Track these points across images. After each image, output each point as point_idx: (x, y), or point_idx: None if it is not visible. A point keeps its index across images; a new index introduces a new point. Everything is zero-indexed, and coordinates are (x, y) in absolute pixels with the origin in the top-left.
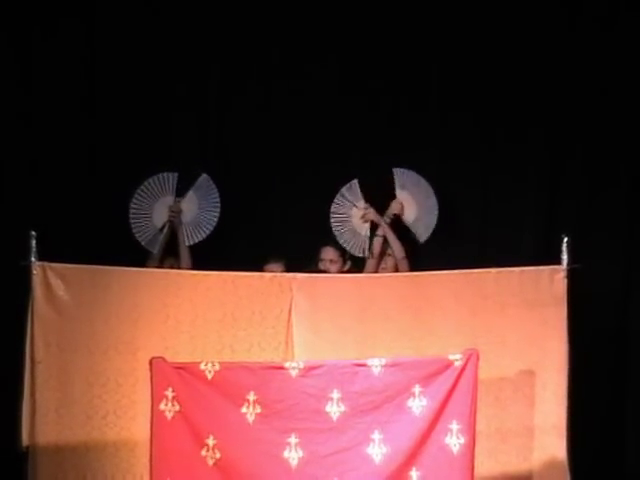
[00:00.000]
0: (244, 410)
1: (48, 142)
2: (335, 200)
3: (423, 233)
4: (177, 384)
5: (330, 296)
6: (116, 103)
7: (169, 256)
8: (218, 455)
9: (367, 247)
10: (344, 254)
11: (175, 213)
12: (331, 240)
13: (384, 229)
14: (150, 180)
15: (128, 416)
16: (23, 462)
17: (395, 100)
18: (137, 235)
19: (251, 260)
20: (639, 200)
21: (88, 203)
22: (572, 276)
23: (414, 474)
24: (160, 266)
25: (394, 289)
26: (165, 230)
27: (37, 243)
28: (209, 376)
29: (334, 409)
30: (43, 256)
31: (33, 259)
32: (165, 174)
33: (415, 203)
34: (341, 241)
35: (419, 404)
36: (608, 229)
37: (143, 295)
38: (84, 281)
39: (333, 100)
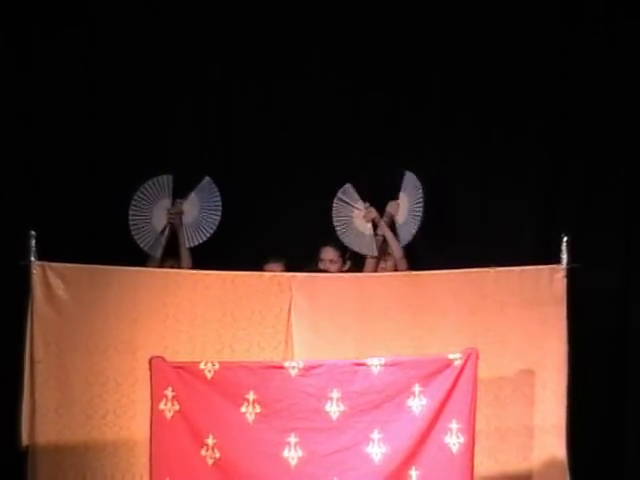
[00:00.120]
0: (244, 410)
1: (48, 142)
2: (334, 204)
3: (403, 239)
4: (176, 384)
5: (330, 295)
6: (116, 103)
7: (169, 257)
8: (218, 455)
9: (374, 246)
10: (344, 254)
11: (176, 214)
12: (331, 240)
13: (383, 229)
14: (146, 184)
15: (127, 415)
16: (23, 461)
17: (395, 100)
18: (138, 240)
19: (251, 260)
20: (638, 199)
21: (88, 203)
22: (571, 275)
23: (414, 473)
24: (160, 267)
25: (393, 288)
26: (166, 232)
27: (37, 243)
28: (208, 376)
29: (334, 408)
30: (43, 256)
31: (33, 259)
32: (161, 177)
33: (407, 209)
34: (346, 242)
35: (419, 403)
36: (607, 228)
37: (142, 294)
38: (83, 281)
39: (333, 100)
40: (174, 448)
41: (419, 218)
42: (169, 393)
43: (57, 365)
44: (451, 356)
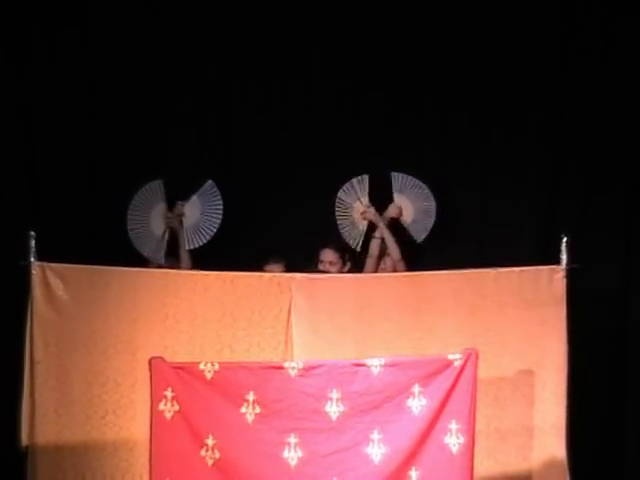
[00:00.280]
0: (243, 410)
1: (48, 142)
2: (344, 187)
3: (420, 234)
4: (176, 384)
5: (329, 296)
6: (116, 103)
7: (170, 257)
8: (217, 455)
9: (360, 242)
10: (344, 255)
11: (177, 216)
12: (331, 241)
13: (382, 231)
14: (138, 193)
15: (127, 416)
16: (22, 462)
17: (395, 100)
18: (141, 249)
19: (251, 260)
20: (638, 200)
21: (87, 203)
22: (571, 276)
23: (413, 474)
24: (160, 267)
25: (393, 289)
26: (166, 236)
27: (36, 243)
28: (208, 376)
29: (333, 409)
30: (42, 256)
31: (32, 259)
32: (151, 183)
33: (412, 206)
34: (340, 228)
35: (418, 404)
36: (607, 229)
37: (142, 295)
38: (83, 281)
39: (333, 100)
40: (174, 448)
41: (433, 211)
42: (169, 393)
43: (57, 365)
44: (451, 356)
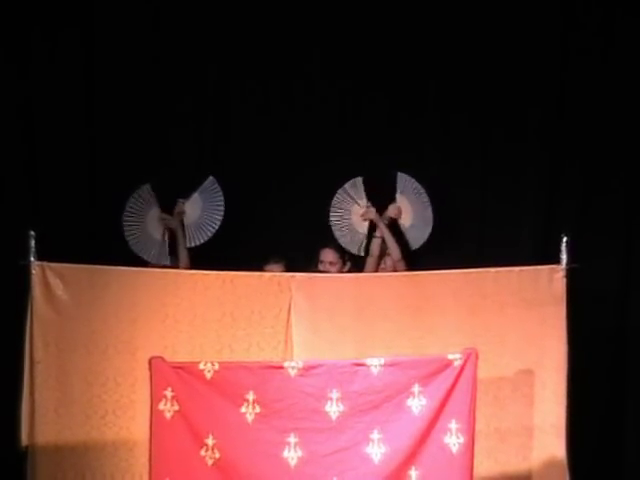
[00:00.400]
0: (243, 410)
1: (47, 142)
2: (337, 195)
3: (415, 242)
4: (176, 384)
5: (329, 295)
6: (115, 103)
7: (170, 255)
8: (217, 455)
9: (363, 246)
10: (344, 255)
11: (177, 214)
12: (330, 241)
13: (382, 230)
14: (130, 202)
15: (127, 416)
16: (22, 462)
17: (395, 101)
18: (144, 255)
19: (251, 260)
20: (637, 200)
21: (87, 203)
22: (571, 275)
23: (413, 473)
24: (161, 266)
25: (393, 288)
26: (166, 238)
27: (36, 243)
28: (208, 376)
29: (333, 409)
30: (42, 256)
31: (32, 259)
32: (140, 189)
33: (412, 211)
34: (337, 236)
35: (418, 403)
36: (607, 229)
37: (142, 295)
38: (83, 281)
39: (333, 100)
40: (174, 448)
41: (430, 221)
42: (169, 393)
43: (56, 365)
44: (451, 356)
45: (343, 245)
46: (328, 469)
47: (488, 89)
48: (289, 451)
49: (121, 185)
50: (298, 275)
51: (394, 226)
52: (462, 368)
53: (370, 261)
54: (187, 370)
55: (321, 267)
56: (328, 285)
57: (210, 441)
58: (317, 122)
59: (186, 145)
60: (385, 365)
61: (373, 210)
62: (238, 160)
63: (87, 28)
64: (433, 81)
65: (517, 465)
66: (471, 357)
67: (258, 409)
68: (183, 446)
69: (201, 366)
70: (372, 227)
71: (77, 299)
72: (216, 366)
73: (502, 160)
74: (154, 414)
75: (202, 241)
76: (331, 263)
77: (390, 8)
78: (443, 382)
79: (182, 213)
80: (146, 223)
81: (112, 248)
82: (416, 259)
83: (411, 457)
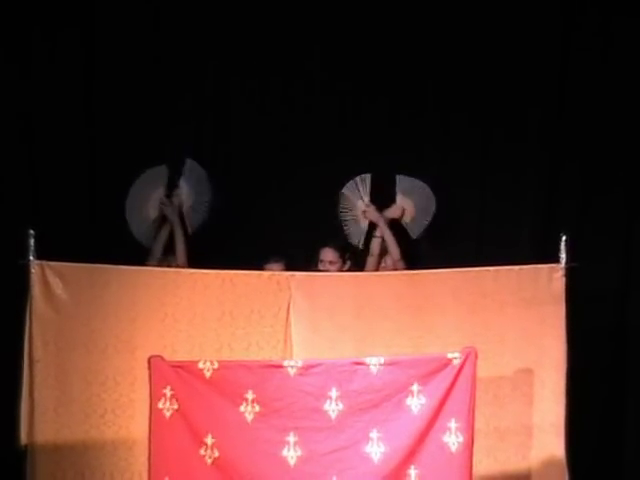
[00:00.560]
0: (242, 409)
1: (47, 141)
2: (348, 185)
3: (417, 230)
4: (175, 383)
5: (328, 294)
6: (115, 102)
7: (171, 254)
8: (216, 454)
9: (362, 240)
10: (344, 255)
11: (174, 208)
12: (331, 241)
13: (382, 230)
14: (142, 176)
15: (126, 415)
16: (22, 460)
17: (395, 100)
18: (132, 228)
19: (251, 259)
20: (637, 199)
21: (87, 201)
22: (570, 274)
23: (412, 472)
24: (160, 264)
25: (392, 287)
26: (165, 232)
27: (35, 242)
28: (207, 375)
29: (332, 407)
30: (41, 255)
31: (31, 257)
32: (156, 168)
33: (414, 207)
34: (344, 225)
35: (417, 402)
36: (607, 228)
37: (141, 294)
38: (82, 280)
39: (333, 100)
40: (173, 447)
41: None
42: (168, 392)
43: (56, 364)
44: (450, 355)
45: (347, 233)
46: (327, 468)
47: (488, 89)
48: (288, 450)
49: (121, 184)
50: (297, 274)
51: (394, 226)
52: (461, 367)
53: (371, 260)
54: (186, 369)
55: (321, 266)
56: (327, 284)
57: (209, 440)
58: (317, 122)
59: (186, 144)
60: (384, 364)
61: (372, 210)
62: (238, 159)
63: (87, 28)
64: (433, 81)
65: (516, 464)
66: (470, 356)
67: (257, 408)
68: (182, 445)
69: (200, 365)
70: (372, 226)
71: (76, 298)
72: (215, 365)
73: (502, 160)
74: (153, 413)
75: (199, 222)
76: (331, 262)
77: (390, 8)
78: (442, 381)
79: (182, 204)
80: (149, 201)
81: (111, 247)
82: (416, 258)
83: (410, 456)
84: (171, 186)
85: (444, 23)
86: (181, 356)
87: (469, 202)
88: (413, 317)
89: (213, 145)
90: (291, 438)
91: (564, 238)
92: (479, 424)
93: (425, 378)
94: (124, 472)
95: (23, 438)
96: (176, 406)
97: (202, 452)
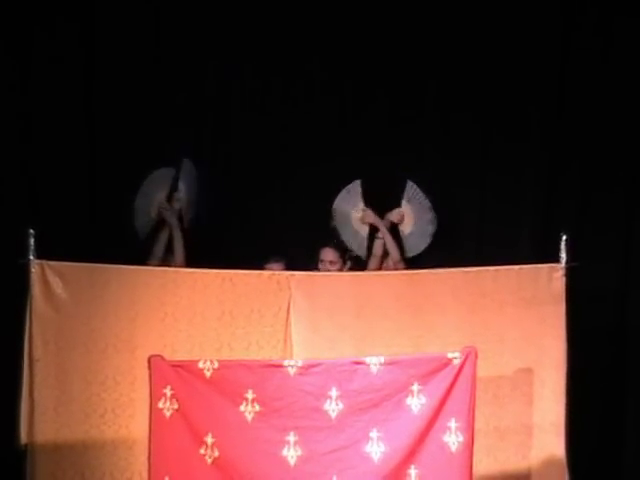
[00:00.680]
0: (242, 408)
1: (46, 140)
2: (339, 196)
3: (411, 250)
4: (175, 382)
5: (328, 294)
6: (115, 103)
7: (171, 255)
8: (217, 453)
9: (365, 247)
10: (344, 255)
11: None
12: (331, 240)
13: (382, 232)
14: (153, 174)
15: (126, 414)
16: (22, 460)
17: (395, 101)
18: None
19: (251, 259)
20: (637, 199)
21: (86, 201)
22: (570, 274)
23: (412, 472)
24: (161, 264)
25: (392, 287)
26: (165, 235)
27: (35, 241)
28: (207, 374)
29: (332, 407)
30: (41, 254)
31: (31, 257)
32: (163, 170)
33: (414, 220)
34: (344, 238)
35: (418, 402)
36: (606, 227)
37: (141, 293)
38: (82, 279)
39: (333, 100)
40: (173, 447)
41: (430, 236)
42: (168, 392)
43: (56, 363)
44: (450, 355)
45: (348, 244)
46: (327, 467)
47: (488, 89)
48: (288, 450)
49: (120, 184)
50: (297, 274)
51: (394, 230)
52: (461, 367)
53: (373, 261)
54: (186, 368)
55: (321, 266)
56: (327, 284)
57: (209, 439)
58: (317, 122)
59: (186, 144)
60: (384, 364)
61: (370, 213)
62: (238, 159)
63: (87, 28)
64: (433, 81)
65: (516, 463)
66: (470, 356)
67: (257, 407)
68: (182, 444)
69: (200, 364)
70: (373, 228)
71: (76, 297)
72: (215, 364)
73: (502, 160)
74: (153, 412)
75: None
76: (331, 262)
77: (390, 8)
78: (442, 381)
79: (182, 207)
80: (154, 199)
81: (111, 247)
82: (416, 258)
83: (410, 456)
84: (173, 189)
85: (444, 23)
86: (181, 355)
87: (469, 202)
88: (413, 317)
89: (213, 145)
90: (291, 438)
91: (564, 238)
92: (479, 424)
93: (425, 378)
94: (124, 472)
95: (23, 437)
96: (176, 406)
97: (202, 452)
